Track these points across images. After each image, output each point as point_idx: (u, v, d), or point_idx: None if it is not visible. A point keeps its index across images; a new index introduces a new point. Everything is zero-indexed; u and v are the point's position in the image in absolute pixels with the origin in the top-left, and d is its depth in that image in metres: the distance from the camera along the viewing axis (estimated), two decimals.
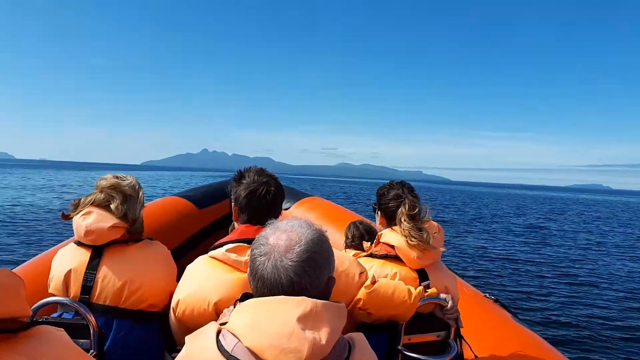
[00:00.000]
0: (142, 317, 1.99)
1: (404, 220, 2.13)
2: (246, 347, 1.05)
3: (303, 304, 1.06)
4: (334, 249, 1.94)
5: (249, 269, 1.21)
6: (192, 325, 1.80)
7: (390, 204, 2.23)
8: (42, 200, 21.94)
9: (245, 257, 1.81)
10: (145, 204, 2.25)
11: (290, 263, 1.11)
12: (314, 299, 1.08)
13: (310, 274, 1.12)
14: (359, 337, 1.23)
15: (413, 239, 2.07)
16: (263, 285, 1.13)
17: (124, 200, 2.07)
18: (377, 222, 2.39)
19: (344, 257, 1.94)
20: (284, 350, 1.00)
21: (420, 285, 2.09)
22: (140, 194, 2.17)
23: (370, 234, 2.97)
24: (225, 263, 1.83)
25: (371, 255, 2.21)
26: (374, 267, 2.12)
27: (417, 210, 2.16)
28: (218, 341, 1.11)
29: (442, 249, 2.19)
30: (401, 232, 2.11)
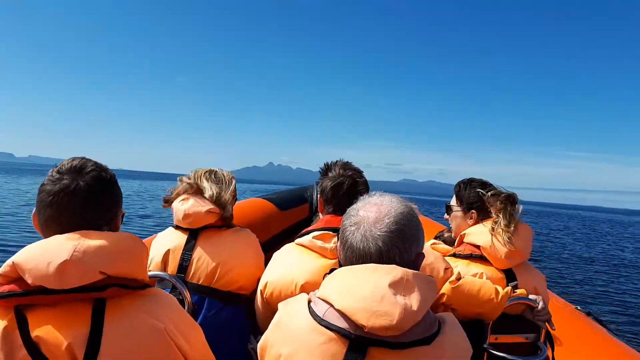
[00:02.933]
0: (231, 298, 2.10)
1: (502, 214, 2.06)
2: (337, 310, 1.08)
3: (394, 271, 1.08)
4: None
5: (339, 239, 1.25)
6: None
7: (479, 202, 2.17)
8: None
9: (331, 245, 1.86)
10: (235, 203, 2.39)
11: (378, 233, 1.13)
12: (405, 268, 1.10)
13: (398, 246, 1.14)
14: (449, 315, 1.23)
15: (502, 239, 2.00)
16: (352, 253, 1.17)
17: (217, 187, 2.22)
18: (458, 223, 2.31)
19: (429, 252, 1.93)
20: (376, 313, 1.02)
21: (507, 285, 2.02)
22: (233, 184, 2.31)
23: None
24: (311, 250, 1.89)
25: (454, 255, 2.16)
26: (459, 267, 2.07)
27: (514, 205, 2.10)
28: (310, 307, 1.16)
29: (530, 250, 2.11)
30: (490, 226, 2.05)
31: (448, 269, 1.91)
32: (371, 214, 1.17)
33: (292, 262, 1.89)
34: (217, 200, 2.18)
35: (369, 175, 2.14)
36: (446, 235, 2.57)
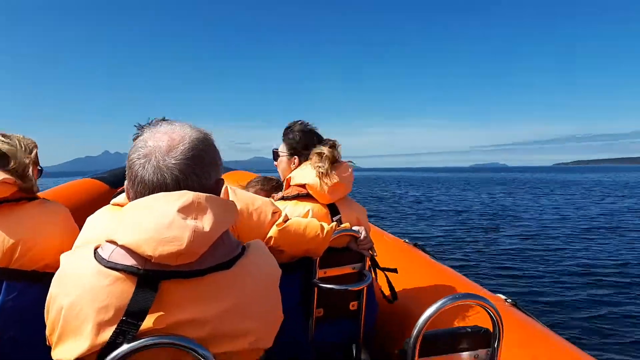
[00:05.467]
0: (37, 277, 1.85)
1: (321, 162, 2.14)
2: (122, 246, 0.98)
3: (184, 196, 0.99)
4: (247, 192, 1.90)
5: (126, 176, 1.12)
6: None
7: (303, 144, 2.24)
8: None
9: None
10: (59, 185, 2.11)
11: (174, 162, 1.03)
12: (197, 192, 1.02)
13: (197, 173, 1.05)
14: (256, 241, 1.20)
15: (324, 179, 2.08)
16: (144, 188, 1.04)
17: (12, 154, 1.91)
18: (283, 168, 2.37)
19: (255, 197, 1.92)
20: (163, 240, 0.93)
21: (332, 219, 2.11)
22: (33, 151, 2.01)
23: (273, 185, 2.97)
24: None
25: (283, 199, 2.20)
26: (287, 208, 2.11)
27: (334, 153, 2.18)
28: (96, 253, 1.03)
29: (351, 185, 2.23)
30: (313, 166, 2.12)
31: (276, 212, 1.92)
32: (162, 142, 1.05)
33: (105, 222, 1.72)
34: (13, 169, 1.88)
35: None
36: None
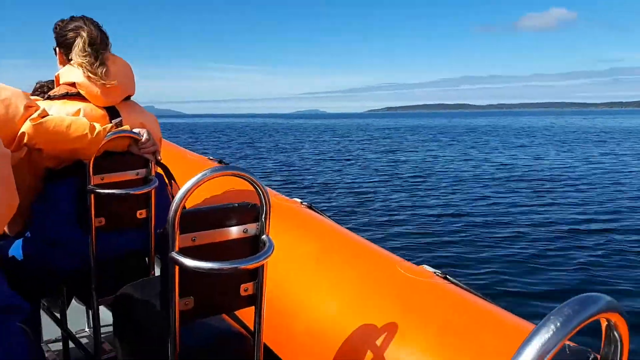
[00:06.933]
0: None
1: (81, 50, 1.88)
2: None
3: None
4: None
5: None
6: None
7: (69, 35, 1.93)
8: None
9: None
10: None
11: None
12: None
13: None
14: None
15: (92, 74, 1.85)
16: None
17: None
18: (58, 64, 2.06)
19: (2, 87, 1.62)
20: None
21: (111, 122, 1.91)
22: None
23: (41, 88, 2.62)
24: None
25: (50, 98, 1.91)
26: (54, 108, 1.84)
27: (96, 39, 1.92)
28: None
29: (133, 87, 2.03)
30: (78, 64, 1.86)
31: (32, 107, 1.65)
32: None
33: None
34: None
35: None
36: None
